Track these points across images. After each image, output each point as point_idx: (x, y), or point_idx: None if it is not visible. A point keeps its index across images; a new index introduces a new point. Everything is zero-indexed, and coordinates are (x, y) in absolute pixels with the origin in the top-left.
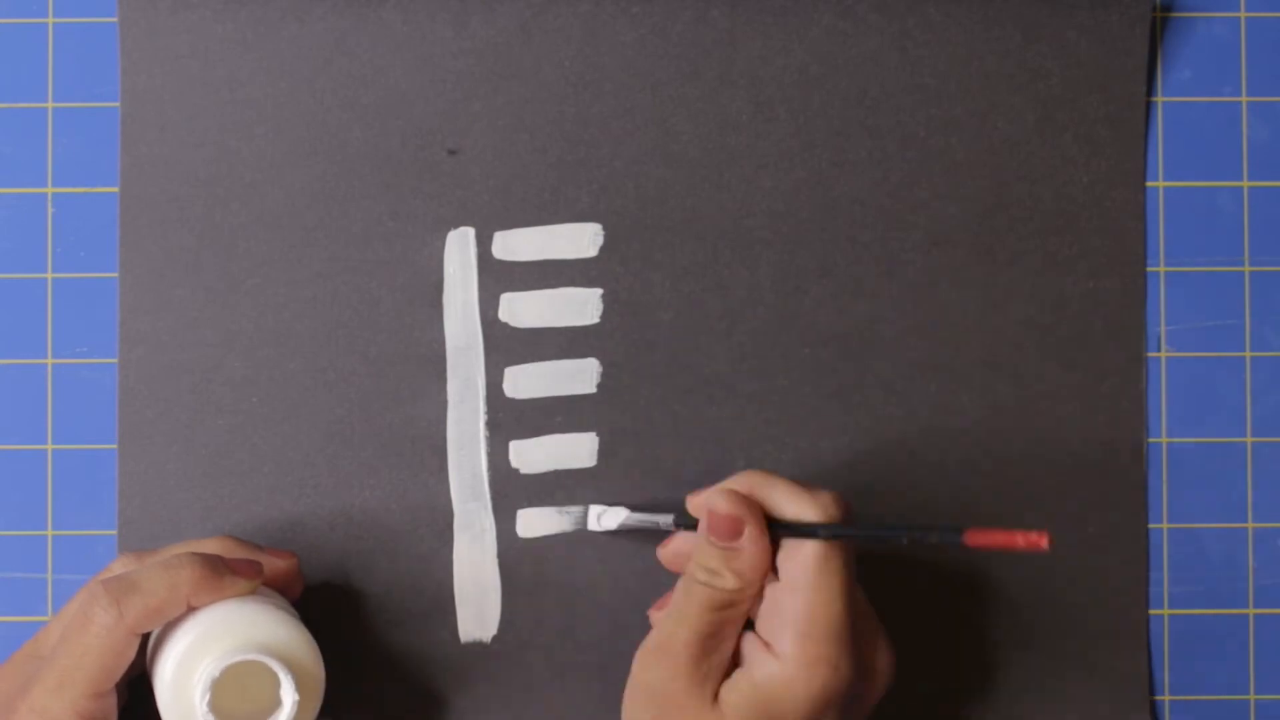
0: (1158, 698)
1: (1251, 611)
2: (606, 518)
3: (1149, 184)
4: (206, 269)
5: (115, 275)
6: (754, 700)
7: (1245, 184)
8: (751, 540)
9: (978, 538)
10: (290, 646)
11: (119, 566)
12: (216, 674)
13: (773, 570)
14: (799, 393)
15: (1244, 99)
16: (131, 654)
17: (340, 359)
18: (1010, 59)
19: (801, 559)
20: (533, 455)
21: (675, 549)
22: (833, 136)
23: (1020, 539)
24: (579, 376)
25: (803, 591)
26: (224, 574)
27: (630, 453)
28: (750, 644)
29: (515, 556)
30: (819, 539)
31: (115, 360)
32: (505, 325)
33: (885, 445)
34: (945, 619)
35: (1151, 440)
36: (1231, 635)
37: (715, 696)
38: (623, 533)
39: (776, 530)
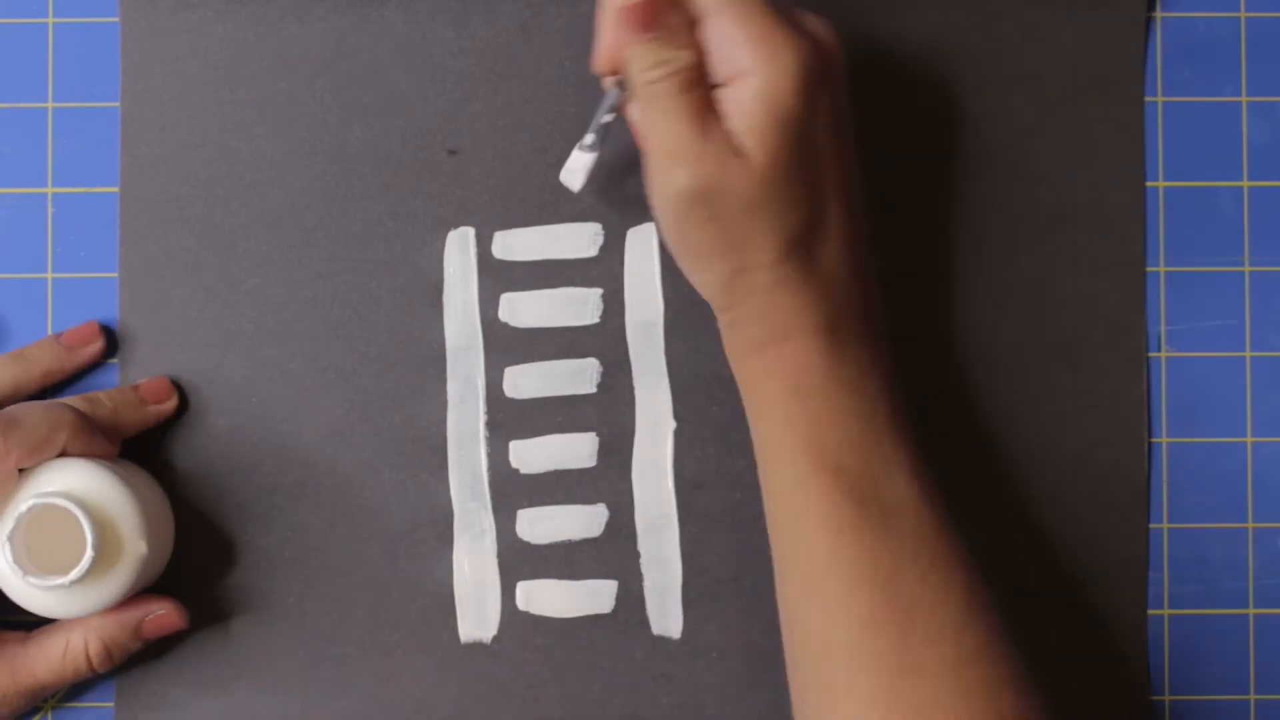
0: (1158, 698)
1: (1251, 611)
2: (575, 161)
3: (1149, 184)
4: (206, 269)
5: (115, 275)
6: (764, 125)
7: (1245, 184)
8: (673, 10)
9: None
10: (103, 496)
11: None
12: (13, 523)
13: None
14: None
15: (1244, 99)
16: (5, 492)
17: (340, 359)
18: (1009, 59)
19: None
20: (533, 455)
21: (607, 56)
22: None
23: None
24: (579, 376)
25: (727, 12)
26: (95, 431)
27: (630, 453)
28: (721, 93)
29: (515, 556)
30: None
31: (115, 360)
32: (505, 325)
33: None
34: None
35: (1151, 440)
36: (1231, 635)
37: (738, 152)
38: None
39: None
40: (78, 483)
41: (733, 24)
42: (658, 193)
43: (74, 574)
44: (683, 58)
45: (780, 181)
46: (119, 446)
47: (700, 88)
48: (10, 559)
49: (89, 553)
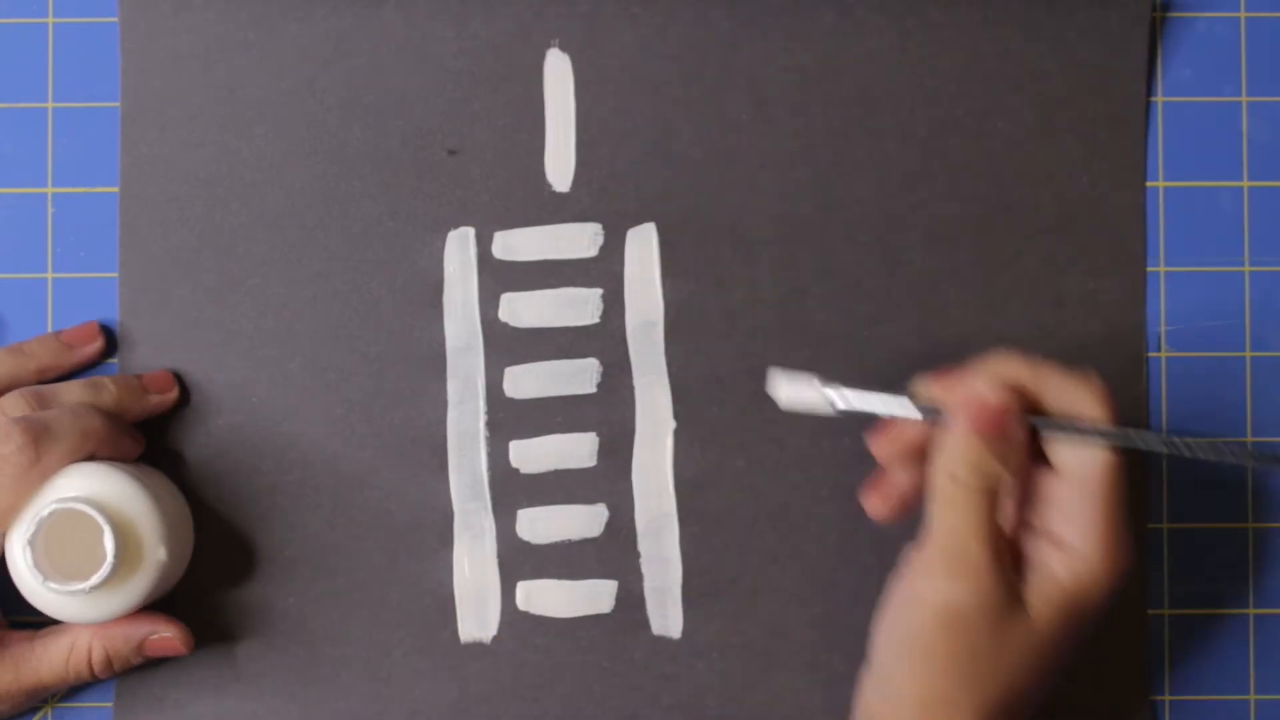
0: (1158, 698)
1: (1251, 611)
2: (849, 398)
3: (1149, 184)
4: (206, 269)
5: (115, 275)
6: (1065, 603)
7: (1245, 184)
8: (1022, 428)
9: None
10: (125, 502)
11: (12, 402)
12: (34, 527)
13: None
14: None
15: (1244, 99)
16: (30, 496)
17: (340, 359)
18: (1010, 59)
19: (1092, 453)
20: (533, 455)
21: (900, 438)
22: (833, 136)
23: None
24: (579, 376)
25: (1099, 488)
26: (123, 433)
27: (630, 453)
28: (1036, 544)
29: (515, 556)
30: (1104, 444)
31: (115, 360)
32: (505, 325)
33: None
34: None
35: None
36: (1231, 635)
37: (1023, 601)
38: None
39: (1051, 428)
40: (100, 487)
41: (1100, 497)
42: (915, 597)
43: (94, 580)
44: (1003, 476)
45: (1045, 656)
46: (142, 446)
47: (1005, 514)
48: (31, 563)
49: (109, 560)
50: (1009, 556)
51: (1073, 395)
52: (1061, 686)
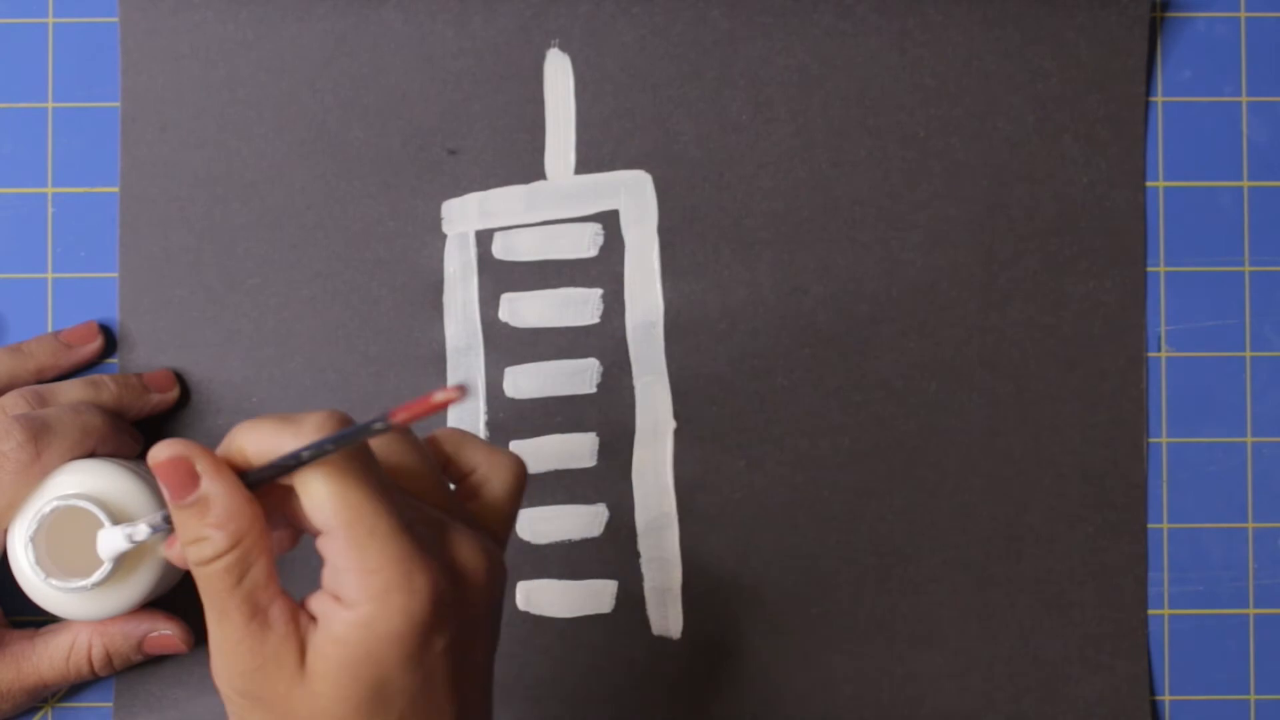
0: (1158, 698)
1: (1251, 611)
2: (111, 540)
3: (1149, 184)
4: (206, 269)
5: (115, 275)
6: (343, 657)
7: (1245, 184)
8: (214, 481)
9: (400, 413)
10: (126, 499)
11: (11, 401)
12: (36, 524)
13: (296, 524)
14: (799, 393)
15: (1244, 99)
16: (28, 492)
17: (340, 359)
18: (1010, 59)
19: (317, 495)
20: (533, 455)
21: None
22: (833, 136)
23: (436, 396)
24: (579, 376)
25: (338, 529)
26: (122, 432)
27: (630, 453)
28: (320, 602)
29: (515, 556)
30: (305, 464)
31: (115, 360)
32: (505, 325)
33: (885, 445)
34: (947, 619)
35: (1151, 440)
36: (1231, 635)
37: (302, 665)
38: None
39: (263, 475)
40: (101, 484)
41: (346, 543)
42: (216, 681)
43: (95, 578)
44: (215, 541)
45: (343, 715)
46: (140, 444)
47: (252, 577)
48: (33, 560)
49: (111, 557)
50: (280, 623)
51: (276, 438)
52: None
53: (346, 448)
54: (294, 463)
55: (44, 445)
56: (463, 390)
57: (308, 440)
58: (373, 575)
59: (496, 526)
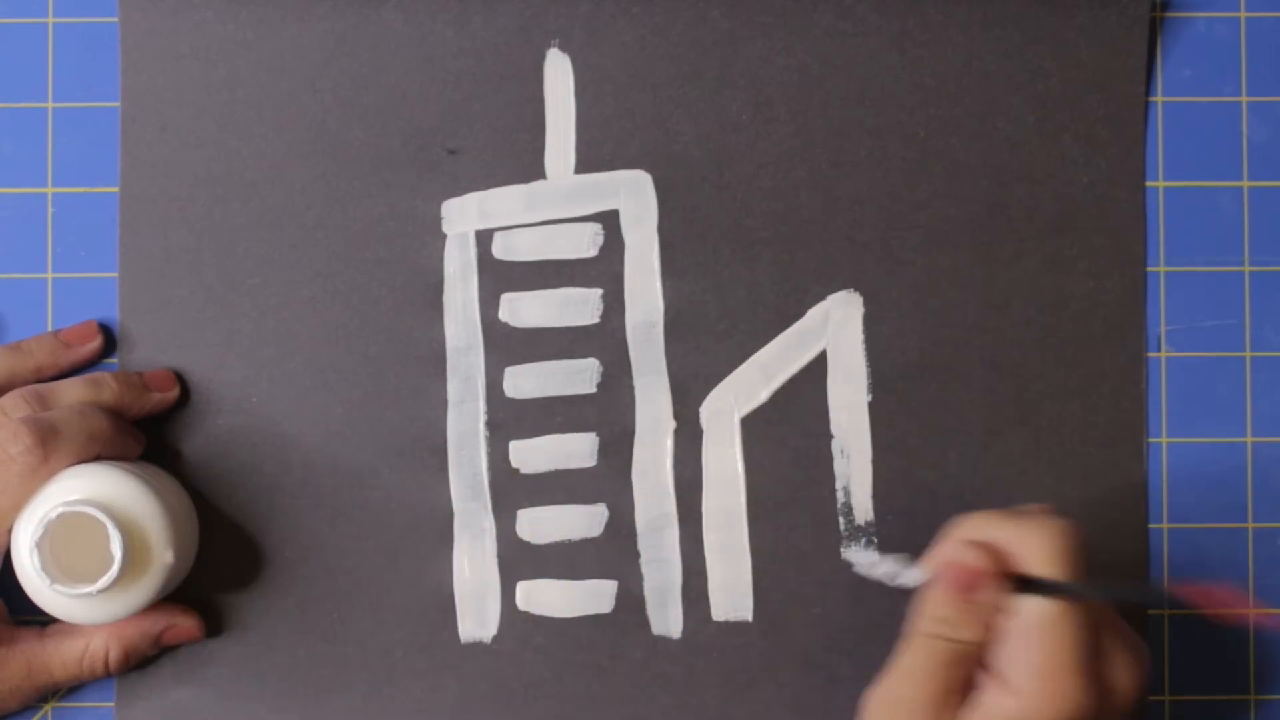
0: (1157, 698)
1: (1251, 611)
2: (879, 567)
3: (1149, 184)
4: (206, 269)
5: (115, 275)
6: None
7: (1245, 184)
8: (994, 592)
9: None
10: (131, 504)
11: (11, 401)
12: (42, 529)
13: None
14: (799, 392)
15: (1244, 99)
16: (31, 494)
17: (340, 359)
18: (1010, 59)
19: (1038, 601)
20: (533, 455)
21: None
22: (833, 136)
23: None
24: (579, 376)
25: (1042, 629)
26: (126, 434)
27: (630, 453)
28: (985, 682)
29: (515, 556)
30: (1060, 596)
31: (115, 360)
32: (505, 325)
33: (885, 445)
34: None
35: (1151, 440)
36: (1231, 635)
37: None
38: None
39: (1018, 584)
40: (106, 489)
41: (1037, 637)
42: (867, 716)
43: (101, 583)
44: (963, 633)
45: None
46: (143, 446)
47: (963, 669)
48: (38, 566)
49: (117, 563)
50: (958, 706)
51: (1037, 548)
52: None
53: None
54: (1054, 590)
55: (52, 449)
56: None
57: (1063, 562)
58: (1053, 680)
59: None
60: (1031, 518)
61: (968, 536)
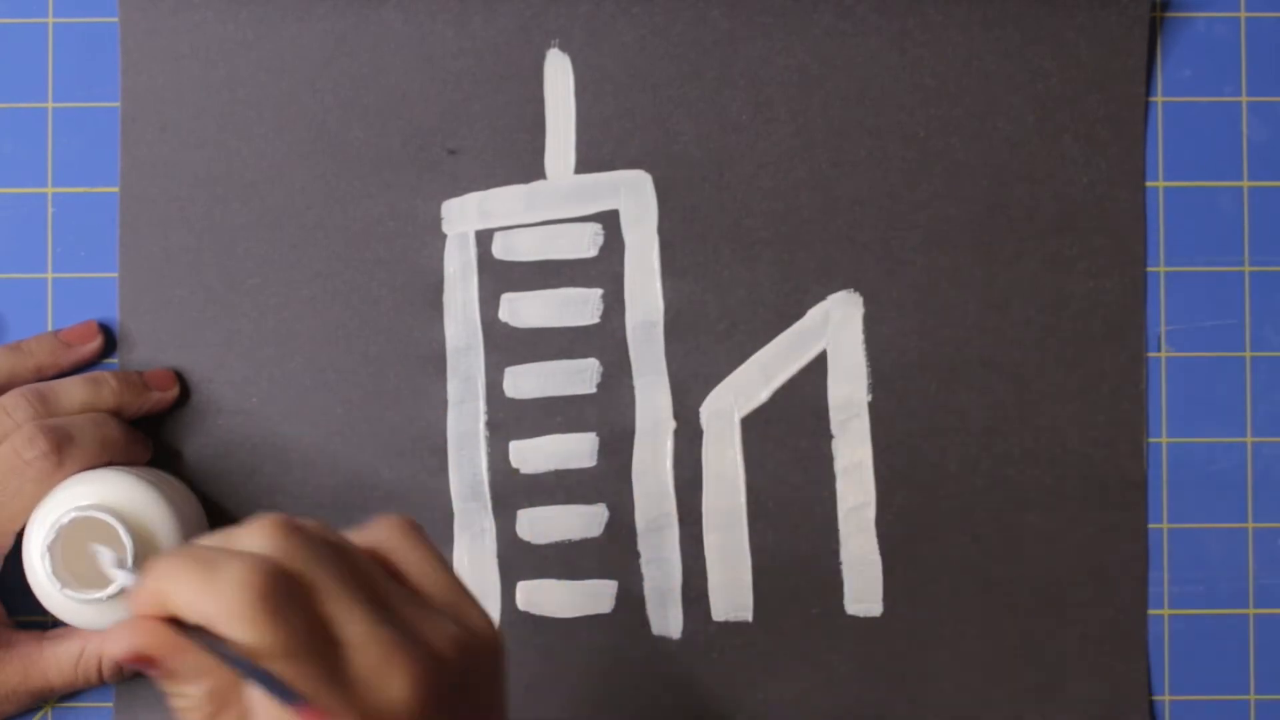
0: (1158, 698)
1: (1251, 611)
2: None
3: (1149, 184)
4: (206, 269)
5: (115, 275)
6: None
7: (1245, 184)
8: (174, 651)
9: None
10: (142, 510)
11: (12, 400)
12: (54, 534)
13: None
14: (799, 392)
15: (1244, 99)
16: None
17: (340, 359)
18: (1010, 59)
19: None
20: (533, 455)
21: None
22: (833, 136)
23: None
24: (579, 376)
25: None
26: (136, 440)
27: (630, 453)
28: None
29: (515, 556)
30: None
31: (115, 359)
32: (505, 325)
33: (885, 445)
34: (947, 619)
35: (1151, 440)
36: (1231, 635)
37: None
38: None
39: (208, 650)
40: (118, 494)
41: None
42: None
43: (111, 589)
44: (192, 697)
45: None
46: (151, 452)
47: (232, 711)
48: (49, 570)
49: (128, 569)
50: None
51: (193, 593)
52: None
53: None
54: (230, 662)
55: (66, 455)
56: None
57: (223, 599)
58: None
59: (443, 589)
60: (221, 560)
61: (146, 607)
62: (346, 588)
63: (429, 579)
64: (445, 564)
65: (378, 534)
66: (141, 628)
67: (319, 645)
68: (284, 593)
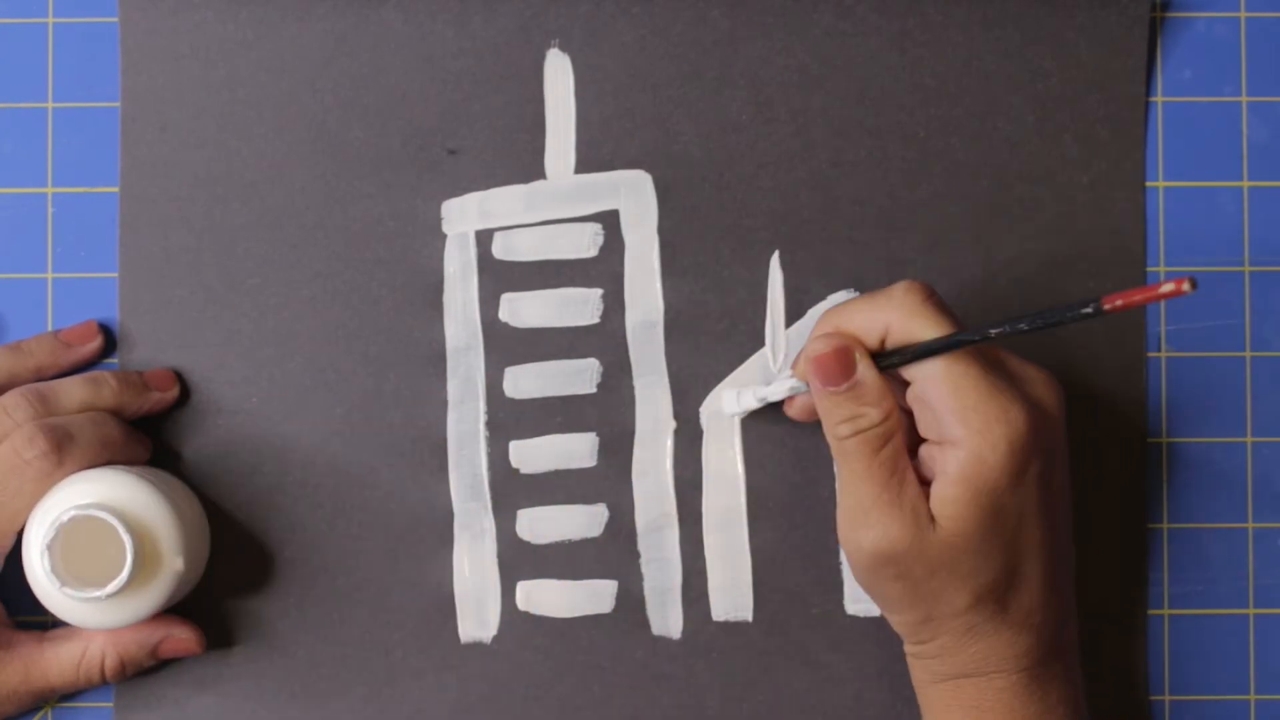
0: (1158, 698)
1: (1251, 611)
2: (744, 398)
3: (1149, 184)
4: (206, 269)
5: (115, 275)
6: (962, 498)
7: (1245, 184)
8: (869, 369)
9: (1116, 299)
10: (142, 509)
11: (12, 400)
12: (53, 532)
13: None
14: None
15: (1244, 99)
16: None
17: (340, 359)
18: (1010, 59)
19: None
20: (533, 455)
21: (801, 405)
22: (833, 136)
23: (1164, 287)
24: (579, 376)
25: (943, 379)
26: (135, 440)
27: (630, 453)
28: (930, 455)
29: (515, 556)
30: (932, 354)
31: (115, 359)
32: (505, 325)
33: None
34: None
35: (1151, 440)
36: (1231, 635)
37: (931, 519)
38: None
39: (899, 359)
40: (118, 493)
41: (945, 390)
42: (845, 545)
43: (110, 588)
44: (871, 416)
45: (972, 549)
46: (150, 451)
47: (893, 445)
48: (49, 568)
49: (127, 568)
50: (913, 483)
51: (900, 314)
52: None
53: (1047, 327)
54: (921, 353)
55: (66, 454)
56: (1192, 283)
57: (925, 321)
58: (972, 413)
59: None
60: (881, 292)
61: (821, 331)
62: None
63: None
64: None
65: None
66: (836, 336)
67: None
68: (933, 298)
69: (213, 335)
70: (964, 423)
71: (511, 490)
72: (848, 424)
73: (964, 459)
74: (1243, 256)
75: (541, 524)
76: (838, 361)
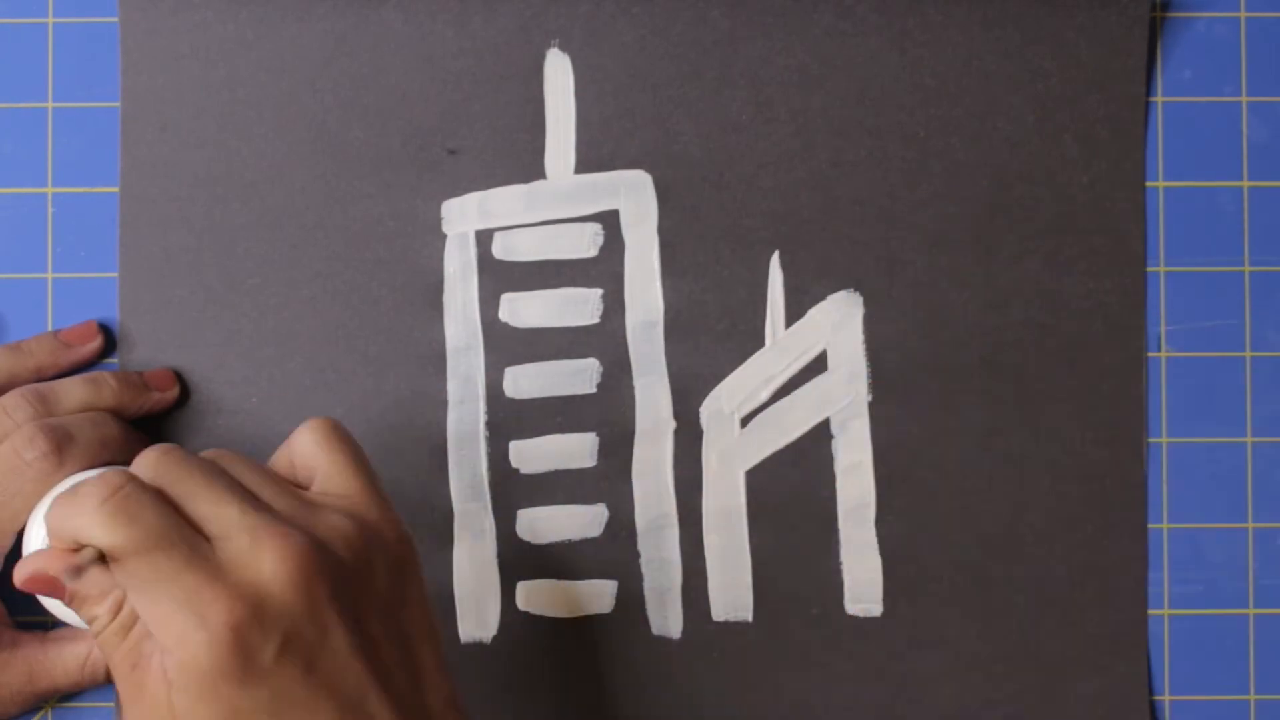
0: (1158, 698)
1: (1251, 611)
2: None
3: (1149, 184)
4: (206, 269)
5: (115, 275)
6: (186, 698)
7: (1245, 184)
8: (72, 574)
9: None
10: None
11: (12, 400)
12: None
13: None
14: (799, 393)
15: (1244, 99)
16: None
17: (340, 359)
18: (1010, 59)
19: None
20: (533, 455)
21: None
22: (833, 136)
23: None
24: (579, 376)
25: (133, 587)
26: (135, 441)
27: (630, 453)
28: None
29: (515, 556)
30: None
31: (115, 359)
32: (505, 325)
33: (886, 445)
34: (947, 619)
35: (1151, 440)
36: (1231, 635)
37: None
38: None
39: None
40: None
41: (142, 601)
42: None
43: None
44: (101, 618)
45: None
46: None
47: (135, 633)
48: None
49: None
50: (156, 670)
51: (66, 517)
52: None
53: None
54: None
55: (66, 455)
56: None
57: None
58: (166, 624)
59: (344, 489)
60: (82, 484)
61: (37, 532)
62: (214, 491)
63: (333, 480)
64: (356, 465)
65: (294, 441)
66: (37, 555)
67: (187, 538)
68: (134, 498)
69: (213, 335)
70: (163, 635)
71: (511, 490)
72: (93, 625)
73: (176, 667)
74: (1243, 256)
75: (541, 524)
76: (43, 585)
